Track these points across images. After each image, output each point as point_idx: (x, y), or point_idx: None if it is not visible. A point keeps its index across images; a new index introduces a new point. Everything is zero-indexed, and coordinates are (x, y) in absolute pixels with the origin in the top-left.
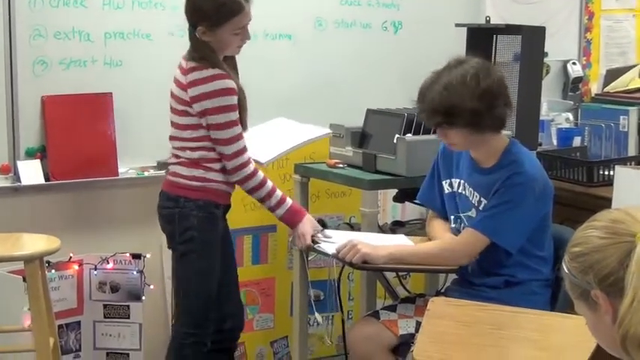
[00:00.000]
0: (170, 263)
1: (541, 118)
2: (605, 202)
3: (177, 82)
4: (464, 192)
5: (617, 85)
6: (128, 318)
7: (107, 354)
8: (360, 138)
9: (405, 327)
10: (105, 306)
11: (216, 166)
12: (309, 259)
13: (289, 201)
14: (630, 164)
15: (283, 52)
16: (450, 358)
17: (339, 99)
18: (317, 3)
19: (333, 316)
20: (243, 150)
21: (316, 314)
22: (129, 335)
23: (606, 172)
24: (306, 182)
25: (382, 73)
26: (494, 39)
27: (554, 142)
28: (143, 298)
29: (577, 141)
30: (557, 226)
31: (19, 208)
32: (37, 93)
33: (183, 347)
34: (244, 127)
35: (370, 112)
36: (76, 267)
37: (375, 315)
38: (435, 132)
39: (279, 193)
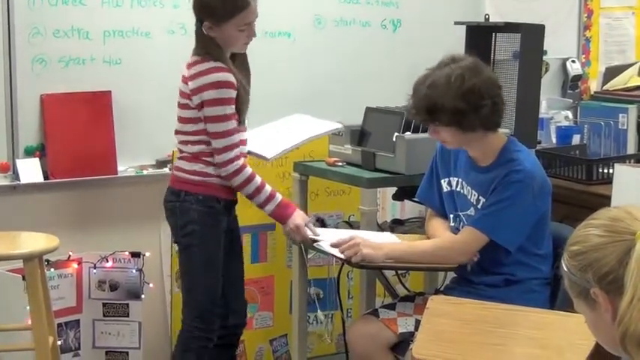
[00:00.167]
0: (169, 262)
1: (540, 116)
2: (605, 200)
3: (182, 77)
4: (462, 191)
5: (617, 82)
6: (127, 316)
7: (106, 352)
8: (360, 136)
9: (405, 325)
10: (104, 304)
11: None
12: (309, 257)
13: (279, 196)
14: (629, 162)
15: (282, 50)
16: (450, 356)
17: (338, 97)
18: (316, 1)
19: (332, 314)
20: (234, 146)
21: (318, 312)
22: (128, 334)
23: (605, 170)
24: (305, 180)
25: (381, 71)
26: (494, 37)
27: (554, 140)
28: (142, 296)
29: (576, 139)
30: (556, 224)
31: (18, 207)
32: (36, 91)
33: (188, 340)
34: (241, 123)
35: (369, 110)
36: (75, 265)
37: (375, 313)
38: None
39: (268, 188)
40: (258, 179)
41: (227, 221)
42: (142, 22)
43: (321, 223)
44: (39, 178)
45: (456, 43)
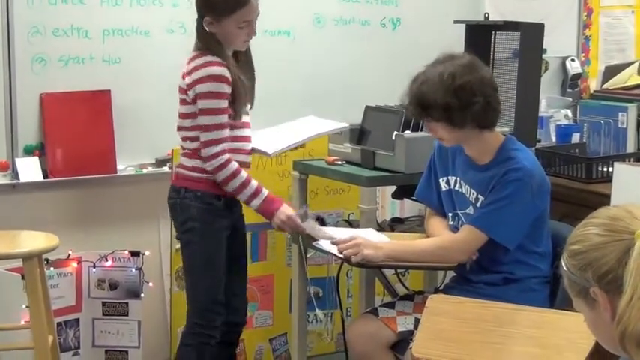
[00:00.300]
0: (169, 260)
1: (540, 114)
2: (604, 199)
3: (182, 73)
4: (460, 189)
5: (616, 81)
6: (127, 315)
7: (106, 351)
8: (359, 135)
9: (404, 324)
10: (104, 303)
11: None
12: (308, 255)
13: (265, 191)
14: (629, 161)
15: (282, 49)
16: (449, 355)
17: (337, 96)
18: (316, 0)
19: (332, 313)
20: (220, 140)
21: (317, 311)
22: (128, 332)
23: (605, 169)
24: (305, 179)
25: (381, 69)
26: (493, 35)
27: (553, 138)
28: (142, 295)
29: (576, 137)
30: (555, 222)
31: (17, 206)
32: (35, 90)
33: (189, 336)
34: (236, 119)
35: (369, 109)
36: (74, 264)
37: (374, 312)
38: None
39: (254, 184)
40: (243, 175)
41: (230, 219)
42: (141, 21)
43: (321, 221)
44: (38, 177)
45: (455, 41)
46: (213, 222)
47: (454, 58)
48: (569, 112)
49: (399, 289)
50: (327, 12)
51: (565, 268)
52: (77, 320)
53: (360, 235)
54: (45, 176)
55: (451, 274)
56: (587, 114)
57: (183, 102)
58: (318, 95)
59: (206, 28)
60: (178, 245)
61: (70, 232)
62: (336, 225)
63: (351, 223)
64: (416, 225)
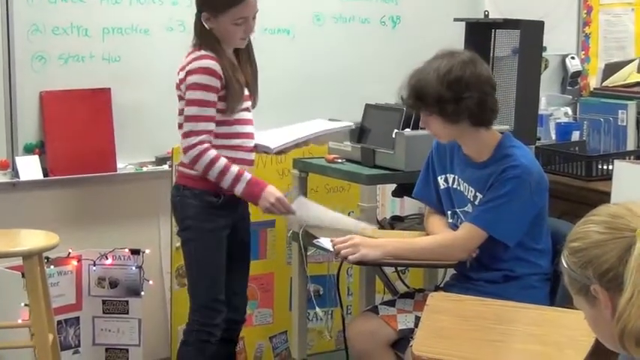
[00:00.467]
0: (169, 259)
1: (540, 112)
2: (604, 197)
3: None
4: (459, 187)
5: (616, 79)
6: (127, 313)
7: (106, 349)
8: (359, 133)
9: (404, 322)
10: (104, 302)
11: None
12: (308, 254)
13: (247, 175)
14: (629, 158)
15: (282, 47)
16: (449, 353)
17: (337, 94)
18: None
19: (332, 311)
20: (200, 132)
21: (317, 309)
22: (128, 331)
23: (605, 167)
24: (305, 177)
25: (381, 67)
26: (493, 33)
27: (553, 136)
28: (142, 293)
29: (576, 135)
30: (555, 220)
31: (17, 204)
32: (35, 88)
33: (189, 333)
34: (227, 114)
35: (369, 107)
36: (74, 263)
37: (374, 310)
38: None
39: (234, 169)
40: (221, 162)
41: (231, 218)
42: (140, 19)
43: None
44: (38, 175)
45: (455, 39)
46: (211, 220)
47: (454, 54)
48: (569, 110)
49: (399, 287)
50: (327, 10)
51: (565, 265)
52: (77, 319)
53: (356, 235)
54: (45, 174)
55: (451, 271)
56: (587, 112)
57: (179, 98)
58: (317, 93)
59: (204, 24)
60: (179, 243)
61: (70, 230)
62: None
63: None
64: (416, 223)
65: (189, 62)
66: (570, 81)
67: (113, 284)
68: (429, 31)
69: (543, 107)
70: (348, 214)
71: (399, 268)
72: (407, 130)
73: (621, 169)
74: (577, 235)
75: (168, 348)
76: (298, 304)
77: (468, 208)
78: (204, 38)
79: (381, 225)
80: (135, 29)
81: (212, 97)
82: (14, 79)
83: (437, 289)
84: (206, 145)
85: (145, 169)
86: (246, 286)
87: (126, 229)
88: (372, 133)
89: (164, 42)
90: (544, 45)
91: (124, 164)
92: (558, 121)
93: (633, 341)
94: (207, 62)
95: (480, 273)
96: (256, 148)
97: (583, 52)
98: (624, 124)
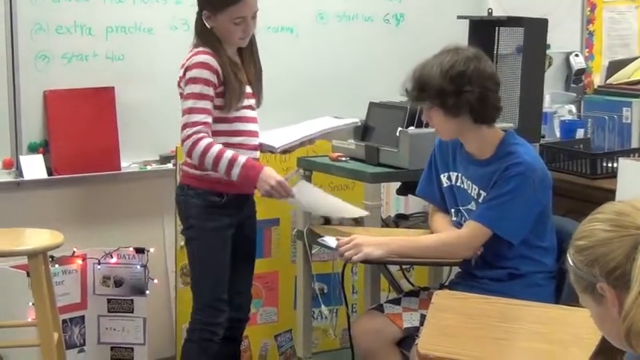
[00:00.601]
0: (174, 257)
1: (544, 110)
2: (609, 195)
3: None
4: (462, 185)
5: (620, 76)
6: (132, 312)
7: (111, 348)
8: (363, 131)
9: (410, 320)
10: (109, 300)
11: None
12: (313, 252)
13: (242, 158)
14: (634, 156)
15: (285, 46)
16: (455, 351)
17: (341, 92)
18: None
19: (337, 309)
20: (195, 124)
21: (322, 307)
22: (133, 330)
23: (610, 165)
24: (309, 175)
25: (384, 65)
26: (497, 31)
27: (557, 134)
28: (147, 292)
29: (580, 133)
30: (560, 218)
31: (21, 203)
32: (39, 88)
33: (192, 332)
34: (227, 110)
35: (373, 105)
36: (79, 261)
37: (380, 308)
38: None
39: (228, 154)
40: (215, 149)
41: (236, 217)
42: (144, 17)
43: (325, 218)
44: (42, 174)
45: (458, 37)
46: (213, 220)
47: (459, 50)
48: (573, 108)
49: (403, 285)
50: (331, 8)
51: (571, 264)
52: (82, 317)
53: (359, 235)
54: (49, 173)
55: (456, 269)
56: (591, 109)
57: (180, 96)
58: (321, 91)
59: (205, 23)
60: (183, 242)
61: (74, 229)
62: (341, 222)
63: (355, 220)
64: (420, 221)
65: (188, 59)
66: (574, 78)
67: (118, 283)
68: (433, 28)
69: (547, 105)
70: None
71: (403, 267)
72: (411, 128)
73: (626, 166)
74: (583, 234)
75: (173, 347)
76: (303, 303)
77: (472, 205)
78: (205, 37)
79: (386, 223)
80: (138, 28)
81: (208, 90)
82: (18, 78)
83: (442, 287)
84: (201, 135)
85: (149, 167)
86: (250, 285)
87: (130, 228)
88: (376, 131)
89: (168, 41)
90: (548, 42)
91: (128, 163)
92: (562, 118)
93: None
94: (203, 57)
95: (485, 271)
96: (261, 147)
97: (587, 50)
98: (629, 121)
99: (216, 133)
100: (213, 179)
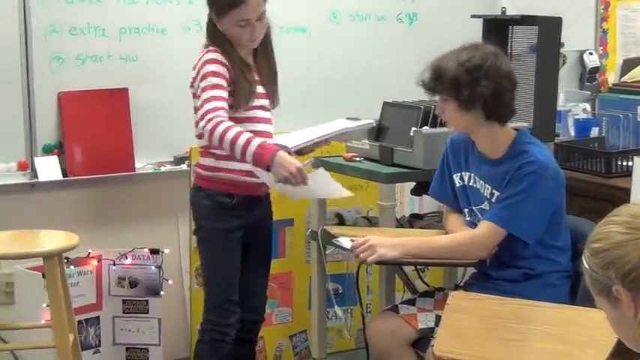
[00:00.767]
0: (188, 258)
1: (558, 108)
2: (624, 193)
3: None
4: (475, 185)
5: (635, 74)
6: (147, 313)
7: (127, 349)
8: (377, 131)
9: (425, 321)
10: (124, 301)
11: (225, 152)
12: (327, 252)
13: (257, 139)
14: None
15: (298, 45)
16: (470, 352)
17: (354, 92)
18: None
19: (351, 309)
20: (214, 109)
21: (336, 308)
22: (148, 330)
23: (624, 163)
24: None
25: (398, 65)
26: (510, 30)
27: (572, 133)
28: (162, 293)
29: (595, 132)
30: (575, 217)
31: (36, 205)
32: (53, 89)
33: (204, 333)
34: (235, 110)
35: (386, 105)
36: (94, 263)
37: (394, 309)
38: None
39: (245, 135)
40: (230, 134)
41: (246, 219)
42: (157, 18)
43: (340, 218)
44: (57, 175)
45: (472, 36)
46: (223, 221)
47: (478, 47)
48: (587, 106)
49: (418, 285)
50: (343, 7)
51: (587, 266)
52: (97, 318)
53: (373, 237)
54: (64, 175)
55: (471, 270)
56: (605, 108)
57: (193, 96)
58: (334, 91)
59: (216, 25)
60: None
61: (89, 230)
62: (355, 222)
63: (370, 220)
64: (435, 221)
65: (199, 59)
66: (588, 77)
67: (133, 284)
68: (446, 28)
69: (561, 103)
70: (367, 213)
71: (418, 267)
72: (425, 127)
73: None
74: (598, 236)
75: (188, 347)
76: (317, 303)
77: (485, 205)
78: (216, 38)
79: (400, 223)
80: (152, 29)
81: (222, 82)
82: (32, 80)
83: (457, 287)
84: (220, 118)
85: (163, 168)
86: (265, 287)
87: (145, 229)
88: (390, 131)
89: (181, 41)
90: (562, 41)
91: (142, 164)
92: (577, 117)
93: None
94: (213, 54)
95: (500, 271)
96: None
97: (601, 48)
98: None
99: None
100: (221, 180)
